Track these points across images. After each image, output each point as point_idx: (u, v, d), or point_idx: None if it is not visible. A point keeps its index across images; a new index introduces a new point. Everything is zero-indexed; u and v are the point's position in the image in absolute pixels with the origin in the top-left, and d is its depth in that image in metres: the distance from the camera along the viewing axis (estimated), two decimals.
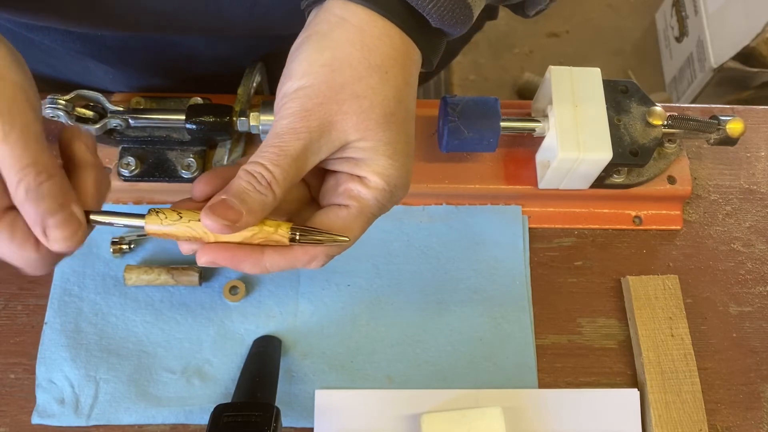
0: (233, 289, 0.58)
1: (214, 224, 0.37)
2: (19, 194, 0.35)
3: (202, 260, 0.39)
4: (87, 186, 0.38)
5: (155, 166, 0.59)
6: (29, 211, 0.35)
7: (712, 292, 0.61)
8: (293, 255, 0.40)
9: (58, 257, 0.38)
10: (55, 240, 0.36)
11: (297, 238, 0.39)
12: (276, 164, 0.38)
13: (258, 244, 0.39)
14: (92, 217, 0.38)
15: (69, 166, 0.39)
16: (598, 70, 0.59)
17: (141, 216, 0.39)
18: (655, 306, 0.58)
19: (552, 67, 0.58)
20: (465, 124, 0.56)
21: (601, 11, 1.85)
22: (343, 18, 0.39)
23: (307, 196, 0.44)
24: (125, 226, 0.39)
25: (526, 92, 1.70)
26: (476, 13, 0.42)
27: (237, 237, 0.39)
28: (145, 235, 0.59)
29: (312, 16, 0.41)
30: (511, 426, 0.54)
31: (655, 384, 0.56)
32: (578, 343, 0.59)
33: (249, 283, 0.59)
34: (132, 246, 0.59)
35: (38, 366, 0.56)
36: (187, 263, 0.58)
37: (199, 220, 0.38)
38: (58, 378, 0.55)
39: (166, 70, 0.65)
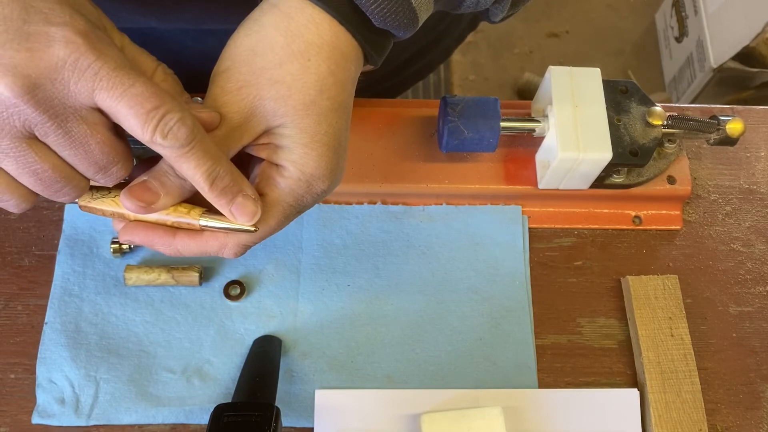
0: (233, 289, 0.58)
1: (131, 204, 0.39)
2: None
3: (122, 239, 0.42)
4: None
5: None
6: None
7: (712, 292, 0.61)
8: (203, 240, 0.41)
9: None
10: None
11: (206, 222, 0.41)
12: None
13: (171, 226, 0.41)
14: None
15: None
16: (598, 70, 0.59)
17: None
18: (655, 306, 0.58)
19: (552, 67, 0.58)
20: (465, 124, 0.56)
21: (601, 11, 1.85)
22: (274, 5, 0.39)
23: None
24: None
25: (526, 92, 1.70)
26: (422, 17, 0.41)
27: (152, 217, 0.41)
28: None
29: None
30: (511, 426, 0.54)
31: (655, 384, 0.56)
32: (578, 343, 0.59)
33: (249, 283, 0.59)
34: (132, 246, 0.59)
35: (38, 366, 0.56)
36: (187, 263, 0.58)
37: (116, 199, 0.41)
38: (58, 378, 0.55)
39: None
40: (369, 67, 0.43)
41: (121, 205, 0.40)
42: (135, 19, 0.57)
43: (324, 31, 0.39)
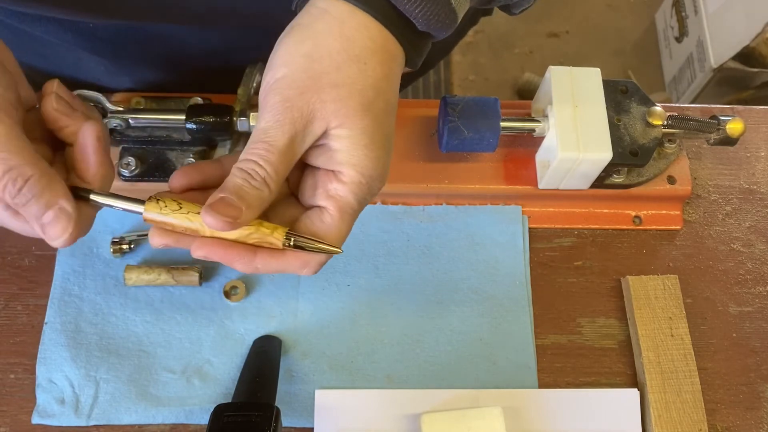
0: (233, 289, 0.58)
1: (216, 221, 0.37)
2: (8, 201, 0.37)
3: (198, 254, 0.40)
4: (91, 141, 0.40)
5: (155, 166, 0.59)
6: (23, 214, 0.37)
7: (712, 292, 0.61)
8: (285, 259, 0.41)
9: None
10: (52, 237, 0.38)
11: (291, 243, 0.39)
12: (267, 160, 0.38)
13: (252, 244, 0.40)
14: (92, 197, 0.39)
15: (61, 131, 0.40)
16: (598, 70, 0.59)
17: (141, 201, 0.39)
18: (655, 306, 0.58)
19: (552, 67, 0.58)
20: (465, 124, 0.56)
21: (601, 11, 1.84)
22: (324, 10, 0.40)
23: (285, 190, 0.44)
24: (124, 209, 0.40)
25: (526, 92, 1.70)
26: (461, 16, 0.43)
27: (233, 234, 0.39)
28: (145, 236, 0.59)
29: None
30: (511, 426, 0.54)
31: (655, 384, 0.56)
32: (578, 343, 0.59)
33: (249, 283, 0.59)
34: (132, 246, 0.59)
35: (38, 366, 0.56)
36: (187, 263, 0.58)
37: (199, 213, 0.38)
38: (58, 378, 0.55)
39: (158, 63, 0.65)
40: (407, 70, 0.44)
41: (194, 219, 0.39)
42: (139, 17, 0.57)
43: (375, 36, 0.40)
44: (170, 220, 0.39)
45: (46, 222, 0.38)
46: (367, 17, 0.40)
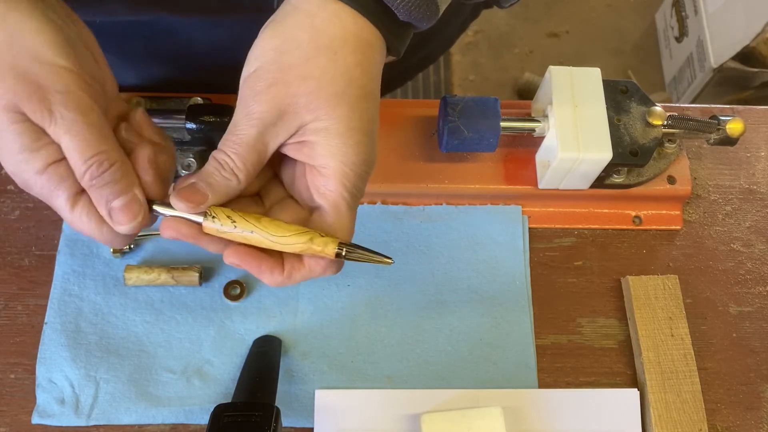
0: (233, 289, 0.58)
1: (182, 205, 0.40)
2: (84, 181, 0.39)
3: (230, 260, 0.41)
4: (142, 162, 0.41)
5: None
6: (94, 196, 0.39)
7: (712, 292, 0.61)
8: (308, 265, 0.42)
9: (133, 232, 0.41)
10: (119, 222, 0.39)
11: (344, 254, 0.41)
12: (236, 153, 0.40)
13: (279, 252, 0.41)
14: (155, 207, 0.41)
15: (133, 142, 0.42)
16: (598, 70, 0.59)
17: (200, 215, 0.41)
18: (655, 306, 0.58)
19: (552, 67, 0.58)
20: (465, 124, 0.56)
21: (601, 11, 1.85)
22: (296, 7, 0.40)
23: (282, 194, 0.45)
24: (184, 219, 0.41)
25: (526, 92, 1.70)
26: (442, 9, 0.43)
27: (288, 247, 0.40)
28: (146, 235, 0.59)
29: None
30: (511, 426, 0.54)
31: (655, 384, 0.56)
32: (578, 343, 0.59)
33: (249, 283, 0.59)
34: (132, 246, 0.59)
35: (38, 366, 0.56)
36: (187, 263, 0.58)
37: (252, 232, 0.40)
38: (58, 378, 0.55)
39: (165, 58, 0.65)
40: (391, 58, 0.44)
41: (249, 238, 0.40)
42: (145, 10, 0.57)
43: (348, 24, 0.40)
44: (226, 230, 0.40)
45: (117, 206, 0.39)
46: (340, 6, 0.40)
